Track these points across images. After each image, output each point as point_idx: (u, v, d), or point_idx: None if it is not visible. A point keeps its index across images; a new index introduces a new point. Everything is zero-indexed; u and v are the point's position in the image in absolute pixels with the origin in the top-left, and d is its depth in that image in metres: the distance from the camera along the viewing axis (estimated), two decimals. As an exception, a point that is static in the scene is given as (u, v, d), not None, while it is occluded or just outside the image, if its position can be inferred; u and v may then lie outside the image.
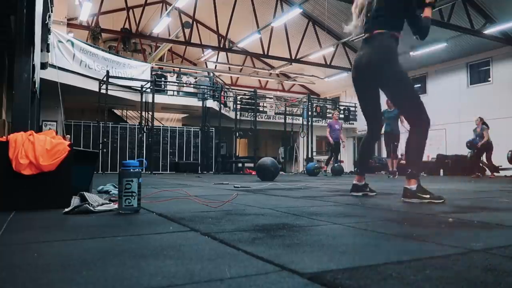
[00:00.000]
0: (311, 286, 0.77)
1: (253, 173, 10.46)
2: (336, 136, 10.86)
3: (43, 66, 6.86)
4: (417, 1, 2.72)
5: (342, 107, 19.35)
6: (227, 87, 17.44)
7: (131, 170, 1.84)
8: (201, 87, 14.30)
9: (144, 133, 12.27)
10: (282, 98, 19.58)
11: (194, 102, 14.01)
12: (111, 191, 2.98)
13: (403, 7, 2.69)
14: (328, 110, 18.18)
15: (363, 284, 0.77)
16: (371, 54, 2.69)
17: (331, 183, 5.62)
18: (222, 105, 14.04)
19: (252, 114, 14.10)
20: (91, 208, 1.86)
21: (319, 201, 2.60)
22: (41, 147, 2.00)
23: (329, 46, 16.07)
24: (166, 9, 16.51)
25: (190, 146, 14.11)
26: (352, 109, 19.62)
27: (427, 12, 2.77)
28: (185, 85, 14.56)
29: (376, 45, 2.68)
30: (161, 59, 18.95)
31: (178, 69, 17.98)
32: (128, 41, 19.35)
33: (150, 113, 11.54)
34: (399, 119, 8.64)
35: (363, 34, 2.81)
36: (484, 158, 10.95)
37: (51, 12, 5.65)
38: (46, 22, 5.20)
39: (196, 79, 15.08)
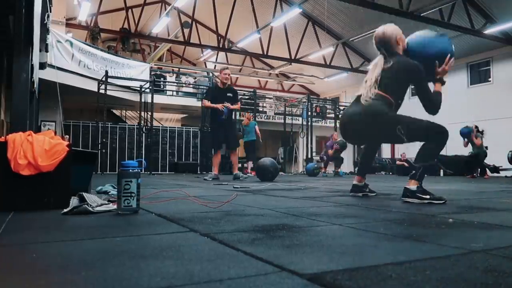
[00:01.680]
0: (311, 286, 0.77)
1: (253, 173, 10.46)
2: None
3: (42, 66, 6.85)
4: (427, 76, 2.67)
5: (341, 107, 19.31)
6: (227, 87, 17.41)
7: (130, 170, 1.83)
8: (201, 87, 14.28)
9: (143, 133, 12.27)
10: (281, 98, 19.56)
11: (193, 102, 14.00)
12: (110, 192, 2.97)
13: (411, 84, 2.70)
14: (328, 110, 18.15)
15: (363, 285, 0.76)
16: (361, 116, 2.66)
17: (331, 183, 5.62)
18: (221, 105, 14.01)
19: (252, 114, 14.09)
20: (90, 208, 1.85)
21: (318, 202, 2.60)
22: (40, 147, 2.00)
23: (328, 46, 16.07)
24: (165, 9, 16.51)
25: (190, 147, 14.10)
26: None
27: (438, 87, 2.71)
28: (184, 85, 14.55)
29: (369, 107, 2.62)
30: (160, 59, 18.93)
31: (177, 69, 17.96)
32: (127, 41, 19.32)
33: (149, 113, 11.53)
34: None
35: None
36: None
37: (50, 12, 5.64)
38: (45, 22, 5.19)
39: (196, 79, 15.07)
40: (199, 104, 13.71)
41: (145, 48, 20.82)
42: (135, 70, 12.63)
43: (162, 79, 14.13)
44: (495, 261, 0.96)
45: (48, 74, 8.03)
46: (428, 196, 2.46)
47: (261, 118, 16.63)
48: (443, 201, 2.45)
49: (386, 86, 2.63)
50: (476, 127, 10.85)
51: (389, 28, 2.76)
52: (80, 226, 1.54)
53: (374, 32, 2.84)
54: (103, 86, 10.35)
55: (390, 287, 0.75)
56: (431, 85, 2.73)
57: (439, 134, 2.57)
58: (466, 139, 10.83)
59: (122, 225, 1.54)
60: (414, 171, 2.58)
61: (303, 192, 3.56)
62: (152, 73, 13.63)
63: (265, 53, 16.33)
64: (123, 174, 1.83)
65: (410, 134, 2.56)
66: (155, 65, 16.37)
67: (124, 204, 1.81)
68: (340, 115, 2.97)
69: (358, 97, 2.74)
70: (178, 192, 3.03)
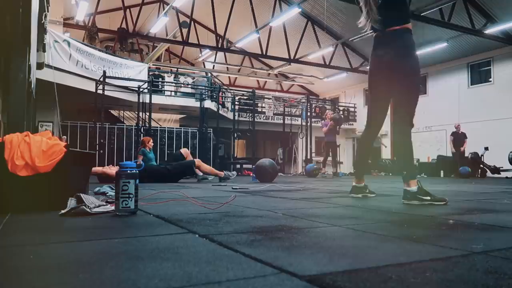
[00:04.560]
0: (311, 289, 0.76)
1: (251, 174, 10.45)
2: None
3: (39, 66, 6.84)
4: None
5: (341, 108, 19.35)
6: (225, 87, 17.42)
7: (128, 171, 1.83)
8: (199, 87, 14.26)
9: (141, 134, 12.24)
10: (280, 98, 19.57)
11: (192, 102, 13.98)
12: (108, 193, 2.96)
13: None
14: (327, 111, 18.16)
15: (362, 287, 0.76)
16: (394, 53, 2.62)
17: (330, 184, 5.63)
18: (220, 106, 14.01)
19: (251, 114, 14.08)
20: (88, 209, 1.84)
21: (318, 203, 2.59)
22: (37, 148, 1.99)
23: (328, 46, 16.07)
24: (164, 9, 16.48)
25: (188, 147, 14.07)
26: (351, 109, 19.61)
27: None
28: (182, 85, 14.52)
29: (396, 43, 2.62)
30: (158, 59, 18.91)
31: (175, 69, 17.93)
32: (125, 41, 19.27)
33: (147, 113, 11.50)
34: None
35: (372, 31, 2.75)
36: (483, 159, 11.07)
37: (47, 11, 5.62)
38: (42, 21, 5.17)
39: (194, 80, 15.04)
40: (197, 104, 13.71)
41: (143, 48, 20.77)
42: (133, 70, 12.60)
43: (160, 79, 14.09)
44: (496, 263, 0.96)
45: (46, 74, 8.01)
46: (428, 198, 2.44)
47: (260, 118, 16.63)
48: (445, 202, 2.42)
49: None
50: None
51: None
52: (78, 227, 1.53)
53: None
54: (100, 87, 10.32)
55: (391, 289, 0.75)
56: None
57: (405, 124, 2.61)
58: None
59: (120, 227, 1.54)
60: (405, 172, 2.57)
61: (302, 193, 3.56)
62: (150, 73, 13.60)
63: (264, 53, 16.31)
64: (121, 175, 1.82)
65: (400, 90, 2.64)
66: (153, 65, 16.36)
67: (122, 205, 1.80)
68: (370, 61, 2.90)
69: (375, 38, 2.74)
70: (176, 193, 3.03)
